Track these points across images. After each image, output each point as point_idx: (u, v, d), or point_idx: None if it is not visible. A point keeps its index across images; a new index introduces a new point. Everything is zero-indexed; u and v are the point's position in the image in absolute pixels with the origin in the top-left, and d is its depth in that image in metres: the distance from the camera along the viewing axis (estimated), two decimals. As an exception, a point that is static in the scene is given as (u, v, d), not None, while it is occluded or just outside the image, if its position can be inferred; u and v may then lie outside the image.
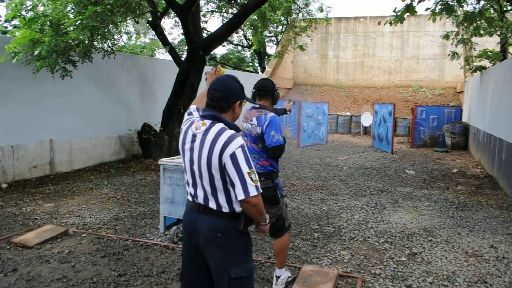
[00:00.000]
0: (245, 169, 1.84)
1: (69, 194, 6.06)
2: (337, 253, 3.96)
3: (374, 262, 3.74)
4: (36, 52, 5.57)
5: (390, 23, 6.93)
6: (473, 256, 3.91)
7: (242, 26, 14.21)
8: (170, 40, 10.48)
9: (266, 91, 3.16)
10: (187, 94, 8.39)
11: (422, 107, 12.96)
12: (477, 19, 8.69)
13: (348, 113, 17.10)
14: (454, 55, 11.29)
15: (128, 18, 9.00)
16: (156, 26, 9.06)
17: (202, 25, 16.52)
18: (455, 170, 8.52)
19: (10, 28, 17.48)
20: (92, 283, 3.25)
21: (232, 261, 1.93)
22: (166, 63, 10.63)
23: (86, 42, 6.45)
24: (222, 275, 1.93)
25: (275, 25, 18.25)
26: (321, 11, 14.11)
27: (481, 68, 10.43)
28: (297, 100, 12.75)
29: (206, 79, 2.52)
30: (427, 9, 7.13)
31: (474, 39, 11.09)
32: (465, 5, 8.40)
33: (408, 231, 4.62)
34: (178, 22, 16.84)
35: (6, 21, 17.85)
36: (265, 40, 21.14)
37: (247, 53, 27.27)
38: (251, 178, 1.84)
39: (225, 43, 22.89)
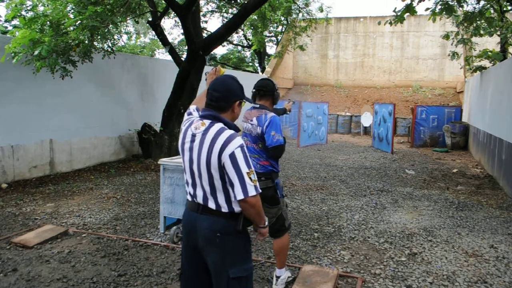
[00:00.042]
0: (244, 169, 1.84)
1: (69, 194, 6.06)
2: (337, 253, 3.96)
3: (374, 262, 3.74)
4: (36, 52, 5.57)
5: (390, 23, 6.94)
6: (473, 256, 3.91)
7: (242, 26, 14.22)
8: (170, 40, 10.48)
9: (266, 91, 3.16)
10: (187, 94, 8.39)
11: (422, 107, 12.96)
12: (477, 19, 8.68)
13: (348, 113, 17.10)
14: (454, 55, 11.29)
15: (128, 18, 9.00)
16: (156, 26, 9.06)
17: (202, 25, 16.53)
18: (455, 170, 8.52)
19: (10, 28, 17.48)
20: (92, 283, 3.25)
21: (231, 261, 1.93)
22: (166, 63, 10.63)
23: (86, 42, 6.45)
24: (221, 275, 1.93)
25: (275, 25, 18.25)
26: (321, 11, 14.12)
27: (481, 68, 10.43)
28: (297, 100, 12.75)
29: (206, 79, 2.52)
30: (427, 9, 7.13)
31: (474, 39, 11.09)
32: (465, 5, 8.40)
33: (408, 231, 4.62)
34: (178, 22, 16.84)
35: (6, 21, 17.86)
36: (265, 40, 21.14)
37: (247, 53, 27.28)
38: (250, 178, 1.84)
39: (225, 43, 22.91)
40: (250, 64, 27.93)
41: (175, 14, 12.02)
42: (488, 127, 8.59)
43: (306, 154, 10.73)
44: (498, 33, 9.92)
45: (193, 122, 2.04)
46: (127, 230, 4.55)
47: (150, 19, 9.83)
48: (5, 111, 6.44)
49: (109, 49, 7.56)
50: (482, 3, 8.58)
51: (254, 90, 3.21)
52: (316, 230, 4.60)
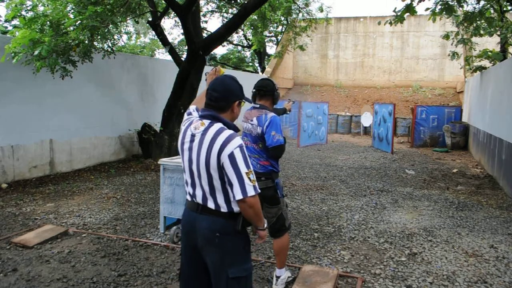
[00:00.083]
0: (243, 169, 1.84)
1: (69, 194, 6.06)
2: (337, 253, 3.96)
3: (374, 262, 3.74)
4: (36, 52, 5.57)
5: (390, 23, 6.94)
6: (473, 256, 3.91)
7: (242, 26, 14.21)
8: (170, 40, 10.48)
9: (266, 91, 3.16)
10: (187, 94, 8.39)
11: (422, 107, 12.96)
12: (477, 19, 8.68)
13: (348, 113, 17.10)
14: (454, 55, 11.29)
15: (128, 18, 9.00)
16: (156, 26, 9.06)
17: (202, 25, 16.52)
18: (455, 170, 8.52)
19: (10, 28, 17.48)
20: (92, 283, 3.25)
21: (230, 261, 1.93)
22: (166, 63, 10.63)
23: (86, 42, 6.45)
24: (220, 275, 1.93)
25: (275, 25, 18.25)
26: (321, 11, 14.12)
27: (481, 68, 10.43)
28: (297, 100, 12.75)
29: (206, 80, 2.52)
30: (427, 9, 7.13)
31: (474, 39, 11.09)
32: (465, 5, 8.40)
33: (408, 231, 4.62)
34: (178, 22, 16.85)
35: (6, 21, 17.86)
36: (265, 40, 21.14)
37: (247, 53, 27.28)
38: (249, 178, 1.84)
39: (225, 43, 22.91)
40: (250, 64, 27.93)
41: (175, 14, 12.03)
42: (488, 127, 8.59)
43: (306, 154, 10.72)
44: (498, 33, 9.92)
45: (192, 122, 2.04)
46: (127, 230, 4.55)
47: (150, 19, 9.83)
48: (5, 111, 6.44)
49: (109, 49, 7.56)
50: (482, 3, 8.58)
51: (254, 90, 3.21)
52: (316, 230, 4.60)
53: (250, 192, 1.84)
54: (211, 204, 1.94)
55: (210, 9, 17.94)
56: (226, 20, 15.96)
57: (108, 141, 8.62)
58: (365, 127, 15.80)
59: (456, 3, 7.19)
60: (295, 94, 20.05)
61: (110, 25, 7.01)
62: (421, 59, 20.18)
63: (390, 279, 3.40)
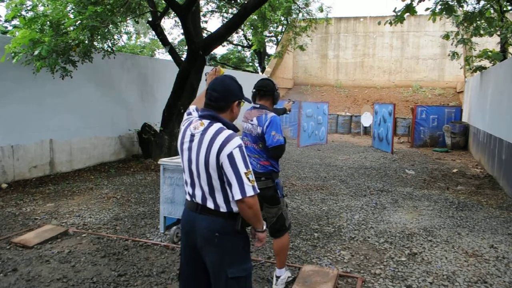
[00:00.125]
0: (242, 169, 1.84)
1: (69, 194, 6.06)
2: (337, 253, 3.96)
3: (374, 262, 3.74)
4: (36, 52, 5.57)
5: (390, 23, 6.94)
6: (473, 256, 3.91)
7: (242, 26, 14.22)
8: (170, 40, 10.49)
9: (266, 91, 3.16)
10: (187, 94, 8.40)
11: (422, 107, 12.96)
12: (477, 19, 8.68)
13: (348, 113, 17.10)
14: (454, 55, 11.29)
15: (128, 18, 9.00)
16: (156, 26, 9.06)
17: (202, 25, 16.52)
18: (455, 170, 8.52)
19: (10, 28, 17.48)
20: (92, 283, 3.25)
21: (229, 261, 1.93)
22: (166, 63, 10.63)
23: (86, 42, 6.45)
24: (219, 274, 1.93)
25: (275, 25, 18.25)
26: (321, 11, 14.12)
27: (481, 68, 10.43)
28: (297, 100, 12.75)
29: (206, 80, 2.52)
30: (427, 9, 7.13)
31: (474, 39, 11.09)
32: (465, 5, 8.41)
33: (408, 231, 4.62)
34: (178, 22, 16.85)
35: (6, 21, 17.86)
36: (265, 40, 21.15)
37: (247, 53, 27.28)
38: (248, 178, 1.84)
39: (225, 43, 22.91)
40: (250, 64, 27.93)
41: (175, 14, 12.02)
42: (488, 127, 8.59)
43: (306, 154, 10.72)
44: (498, 33, 9.92)
45: (192, 122, 2.04)
46: (127, 230, 4.55)
47: (150, 19, 9.83)
48: (5, 111, 6.44)
49: (109, 49, 7.56)
50: (482, 3, 8.58)
51: (254, 90, 3.21)
52: (316, 230, 4.60)
53: (249, 192, 1.83)
54: (210, 204, 1.94)
55: (210, 9, 17.96)
56: (226, 20, 15.96)
57: (108, 141, 8.62)
58: (365, 127, 15.80)
59: (456, 3, 7.19)
60: (295, 94, 20.05)
61: (110, 25, 7.01)
62: (421, 59, 20.19)
63: (390, 279, 3.40)
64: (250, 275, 2.01)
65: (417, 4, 6.44)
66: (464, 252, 4.01)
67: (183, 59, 9.00)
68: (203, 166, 1.90)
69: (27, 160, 6.82)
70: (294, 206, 5.57)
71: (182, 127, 2.09)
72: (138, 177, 7.33)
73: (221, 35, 8.40)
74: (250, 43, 20.66)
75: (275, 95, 3.20)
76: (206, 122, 1.97)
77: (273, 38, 24.10)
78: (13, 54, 5.65)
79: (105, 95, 8.49)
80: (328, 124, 14.30)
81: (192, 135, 1.98)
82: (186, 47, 8.73)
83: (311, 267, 3.49)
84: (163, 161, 4.23)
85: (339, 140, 14.41)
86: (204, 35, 12.25)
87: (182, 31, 11.48)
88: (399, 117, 15.46)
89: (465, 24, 9.54)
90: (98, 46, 7.22)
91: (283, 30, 20.36)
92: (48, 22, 6.02)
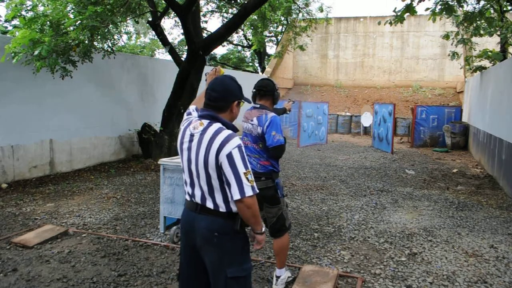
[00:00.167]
0: (241, 169, 1.84)
1: (69, 194, 6.06)
2: (337, 253, 3.96)
3: (374, 262, 3.74)
4: (36, 52, 5.57)
5: (390, 23, 6.94)
6: (473, 256, 3.91)
7: (242, 26, 14.22)
8: (170, 40, 10.49)
9: (266, 91, 3.16)
10: (187, 94, 8.40)
11: (422, 107, 12.97)
12: (477, 19, 8.69)
13: (348, 113, 17.10)
14: (454, 55, 11.29)
15: (128, 18, 9.00)
16: (156, 26, 9.07)
17: (202, 25, 16.53)
18: (455, 170, 8.52)
19: (10, 28, 17.48)
20: (92, 283, 3.25)
21: (228, 260, 1.93)
22: (166, 63, 10.63)
23: (86, 42, 6.45)
24: (218, 274, 1.93)
25: (275, 25, 18.25)
26: (321, 11, 14.13)
27: (481, 68, 10.43)
28: (297, 100, 12.75)
29: (206, 80, 2.52)
30: (427, 9, 7.13)
31: (474, 39, 11.09)
32: (465, 5, 8.41)
33: (408, 231, 4.62)
34: (178, 22, 16.85)
35: (6, 21, 17.87)
36: (265, 40, 21.14)
37: (247, 53, 27.28)
38: (247, 178, 1.84)
39: (225, 43, 22.92)
40: (250, 64, 27.93)
41: (175, 14, 12.03)
42: (488, 127, 8.59)
43: (306, 154, 10.73)
44: (498, 33, 9.92)
45: (191, 122, 2.05)
46: (127, 230, 4.55)
47: (150, 19, 9.83)
48: (5, 111, 6.44)
49: (109, 49, 7.56)
50: (482, 3, 8.58)
51: (254, 90, 3.21)
52: (316, 230, 4.60)
53: (248, 192, 1.83)
54: (209, 204, 1.94)
55: (210, 9, 17.97)
56: (226, 20, 15.96)
57: (108, 141, 8.62)
58: (365, 127, 15.80)
59: (456, 3, 7.19)
60: (295, 94, 20.05)
61: (110, 25, 7.01)
62: (421, 59, 20.19)
63: (390, 279, 3.40)
64: (249, 275, 2.01)
65: (417, 4, 6.44)
66: (464, 252, 4.01)
67: (183, 59, 9.01)
68: (203, 166, 1.90)
69: (27, 160, 6.82)
70: (294, 206, 5.57)
71: (182, 127, 2.09)
72: (138, 177, 7.33)
73: (221, 35, 8.40)
74: (250, 43, 20.67)
75: (275, 95, 3.20)
76: (205, 122, 1.97)
77: (273, 38, 24.11)
78: (13, 54, 5.65)
79: (105, 95, 8.49)
80: (328, 124, 14.31)
81: (192, 135, 1.98)
82: (186, 47, 8.73)
83: (311, 267, 3.49)
84: (163, 161, 4.23)
85: (339, 140, 14.41)
86: (204, 35, 12.25)
87: (182, 31, 11.49)
88: (399, 117, 15.46)
89: (465, 24, 9.54)
90: (98, 46, 7.22)
91: (283, 30, 20.37)
92: (48, 22, 6.02)
